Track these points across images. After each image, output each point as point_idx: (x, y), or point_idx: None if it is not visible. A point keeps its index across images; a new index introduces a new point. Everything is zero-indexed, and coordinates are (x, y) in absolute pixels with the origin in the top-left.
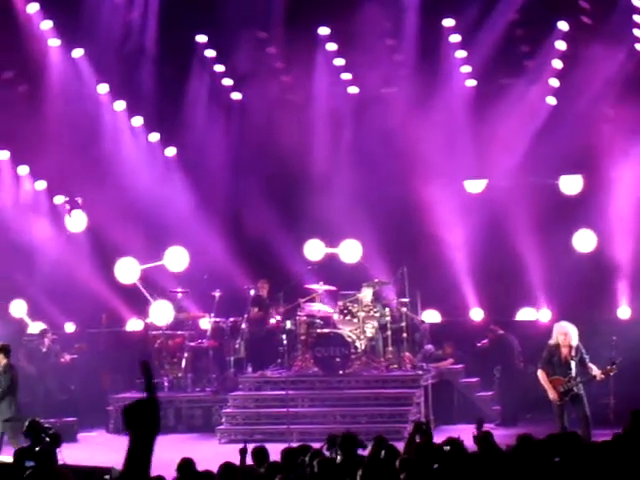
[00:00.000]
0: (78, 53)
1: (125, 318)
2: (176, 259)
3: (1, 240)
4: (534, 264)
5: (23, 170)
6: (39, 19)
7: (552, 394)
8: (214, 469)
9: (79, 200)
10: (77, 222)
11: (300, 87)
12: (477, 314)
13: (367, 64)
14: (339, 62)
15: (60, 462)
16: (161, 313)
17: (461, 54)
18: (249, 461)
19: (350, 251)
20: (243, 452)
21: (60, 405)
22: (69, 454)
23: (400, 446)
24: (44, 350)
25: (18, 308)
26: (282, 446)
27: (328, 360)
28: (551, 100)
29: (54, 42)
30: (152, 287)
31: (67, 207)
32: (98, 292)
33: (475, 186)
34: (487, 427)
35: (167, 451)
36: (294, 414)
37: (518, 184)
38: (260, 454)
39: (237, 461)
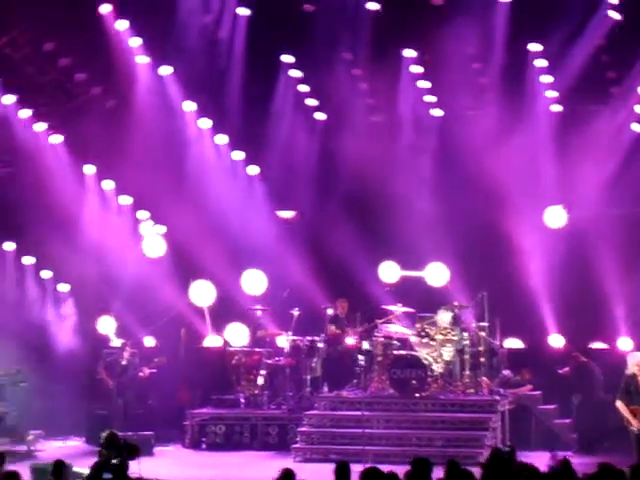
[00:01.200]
0: (166, 71)
1: (204, 334)
2: (254, 282)
3: (87, 255)
4: (616, 294)
5: (108, 185)
6: (128, 36)
7: (635, 423)
8: None
9: (161, 229)
10: (156, 247)
11: (384, 109)
12: (556, 341)
13: (452, 87)
14: (424, 84)
15: (137, 475)
16: (237, 335)
17: (547, 79)
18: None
19: (437, 274)
20: None
21: (137, 418)
22: (145, 467)
23: (475, 471)
24: (123, 363)
25: (105, 324)
26: (357, 467)
27: (404, 382)
28: (637, 127)
29: (142, 59)
30: (230, 306)
31: (149, 225)
32: (178, 307)
33: (558, 216)
34: (564, 455)
35: (243, 468)
36: (369, 435)
37: (602, 214)
38: (342, 470)
39: None
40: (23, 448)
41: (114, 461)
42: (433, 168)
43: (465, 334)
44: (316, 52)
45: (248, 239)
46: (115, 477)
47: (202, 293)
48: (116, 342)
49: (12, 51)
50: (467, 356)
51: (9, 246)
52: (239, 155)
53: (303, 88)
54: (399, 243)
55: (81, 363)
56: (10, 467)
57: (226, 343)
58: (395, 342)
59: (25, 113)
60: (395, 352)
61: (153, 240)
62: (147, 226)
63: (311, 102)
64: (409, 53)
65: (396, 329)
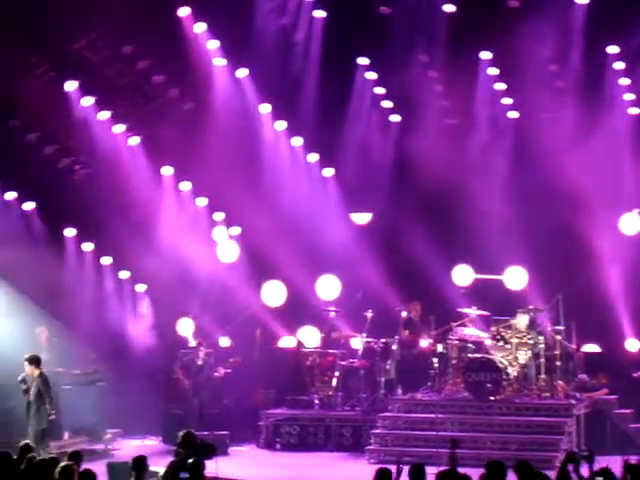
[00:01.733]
0: (242, 73)
1: (278, 334)
2: (328, 288)
3: (164, 256)
4: None
5: (185, 187)
6: (206, 39)
7: None
8: None
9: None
10: (230, 252)
11: (459, 111)
12: (633, 345)
13: (528, 89)
14: (500, 87)
15: (213, 475)
16: (310, 336)
17: (625, 81)
18: None
19: (515, 278)
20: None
21: (213, 418)
22: (220, 467)
23: (551, 475)
24: (199, 363)
25: (184, 326)
26: (431, 469)
27: (479, 385)
28: None
29: (220, 62)
30: (304, 308)
31: (222, 230)
32: (252, 308)
33: (633, 222)
34: (638, 459)
35: (317, 469)
36: (444, 438)
37: None
38: (417, 472)
39: None
40: (100, 447)
41: (190, 460)
42: (509, 170)
43: (541, 337)
44: (392, 54)
45: (322, 240)
46: (192, 476)
47: (273, 294)
48: (193, 343)
49: (91, 53)
50: (543, 360)
51: (88, 246)
52: (314, 157)
53: (379, 90)
54: (474, 245)
55: (157, 363)
56: (87, 465)
57: (300, 344)
58: (470, 345)
59: (104, 115)
60: (470, 355)
61: (227, 245)
62: (221, 231)
63: (386, 104)
64: (485, 55)
65: (471, 332)
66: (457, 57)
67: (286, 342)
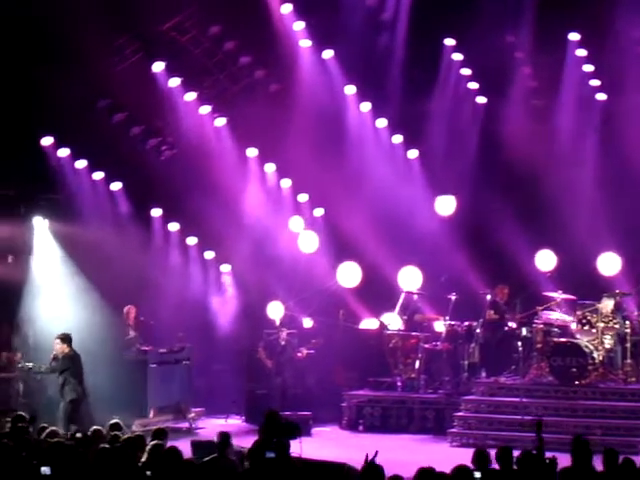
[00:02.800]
0: (328, 54)
1: (361, 316)
2: (410, 278)
3: (250, 238)
4: None
5: (269, 168)
6: (292, 20)
7: None
8: (446, 471)
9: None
10: (310, 242)
11: (546, 93)
12: None
13: (617, 71)
14: (588, 68)
15: (296, 454)
16: (393, 318)
17: None
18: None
19: (609, 263)
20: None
21: (295, 399)
22: (304, 447)
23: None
24: (282, 344)
25: (274, 309)
26: (515, 453)
27: (564, 370)
28: None
29: (305, 43)
30: (387, 290)
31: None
32: (334, 288)
33: None
34: None
35: (400, 451)
36: (527, 422)
37: None
38: (505, 455)
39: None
40: (185, 425)
41: (275, 440)
42: (598, 153)
43: (627, 322)
44: (479, 35)
45: (406, 222)
46: (278, 456)
47: (349, 275)
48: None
49: (178, 35)
50: (628, 344)
51: (174, 226)
52: (398, 138)
53: (465, 71)
54: (561, 229)
55: (241, 343)
56: (172, 443)
57: (383, 326)
58: (555, 329)
59: (190, 96)
60: (555, 339)
61: (306, 235)
62: (299, 222)
63: (473, 85)
64: (574, 36)
65: (556, 316)
66: (545, 38)
67: (368, 324)
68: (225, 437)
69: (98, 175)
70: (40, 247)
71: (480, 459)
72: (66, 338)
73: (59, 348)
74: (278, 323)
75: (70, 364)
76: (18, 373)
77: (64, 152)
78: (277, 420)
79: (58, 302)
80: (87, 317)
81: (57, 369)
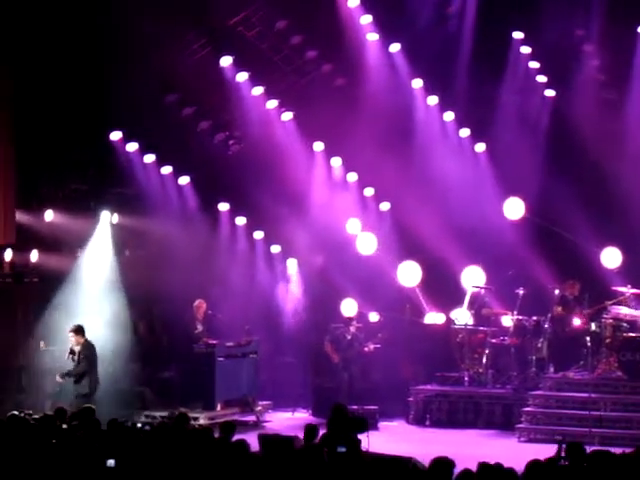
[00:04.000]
0: (395, 48)
1: (427, 310)
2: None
3: (316, 231)
4: None
5: (336, 162)
6: (359, 14)
7: None
8: (514, 467)
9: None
10: (367, 243)
11: (616, 86)
12: None
13: None
14: None
15: (364, 449)
16: (460, 313)
17: None
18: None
19: None
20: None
21: (362, 393)
22: (371, 442)
23: None
24: (349, 338)
25: (348, 306)
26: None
27: (634, 365)
28: None
29: (372, 36)
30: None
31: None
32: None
33: None
34: None
35: (467, 446)
36: (596, 418)
37: None
38: (576, 451)
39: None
40: (252, 418)
41: (344, 434)
42: None
43: None
44: (547, 28)
45: (473, 217)
46: (349, 450)
47: (409, 273)
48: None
49: (245, 29)
50: None
51: (240, 220)
52: (465, 132)
53: (533, 64)
54: (631, 223)
55: (308, 337)
56: (239, 437)
57: (450, 321)
58: (624, 324)
59: (257, 90)
60: (625, 334)
61: (365, 237)
62: (355, 225)
63: (541, 79)
64: None
65: (626, 311)
66: (614, 30)
67: (434, 318)
68: (312, 430)
69: (166, 169)
70: (106, 241)
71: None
72: (80, 329)
73: (75, 340)
74: (349, 317)
75: (89, 352)
76: None
77: (133, 147)
78: (344, 414)
79: (125, 297)
80: (156, 311)
81: (82, 361)
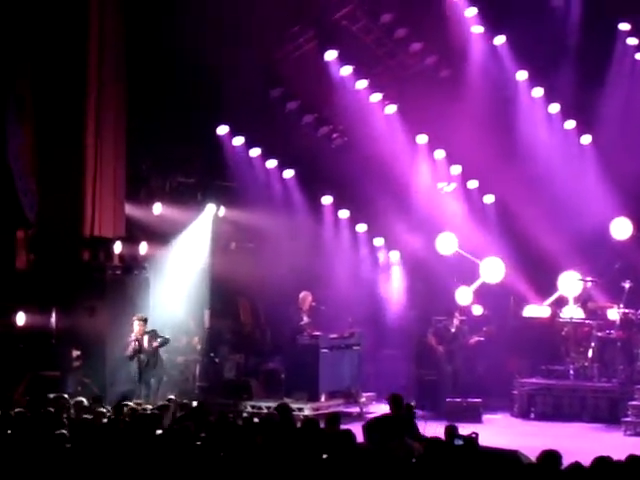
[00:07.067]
0: (500, 40)
1: (531, 303)
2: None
3: (419, 223)
4: None
5: (439, 154)
6: (464, 6)
7: None
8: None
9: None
10: (447, 243)
11: None
12: None
13: None
14: None
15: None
16: (566, 307)
17: None
18: None
19: None
20: None
21: (466, 386)
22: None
23: None
24: (453, 331)
25: (463, 294)
26: None
27: None
28: None
29: (477, 29)
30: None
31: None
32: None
33: None
34: None
35: (572, 439)
36: None
37: None
38: None
39: None
40: (356, 410)
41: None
42: None
43: None
44: None
45: (578, 208)
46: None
47: (493, 270)
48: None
49: (349, 23)
50: None
51: (344, 213)
52: (571, 124)
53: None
54: None
55: (411, 329)
56: (344, 427)
57: (555, 314)
58: None
59: (361, 84)
60: None
61: (445, 237)
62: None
63: None
64: None
65: None
66: None
67: (538, 311)
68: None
69: (271, 163)
70: (205, 233)
71: None
72: (146, 320)
73: (140, 329)
74: (462, 307)
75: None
76: (196, 356)
77: (239, 141)
78: (400, 402)
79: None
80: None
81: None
